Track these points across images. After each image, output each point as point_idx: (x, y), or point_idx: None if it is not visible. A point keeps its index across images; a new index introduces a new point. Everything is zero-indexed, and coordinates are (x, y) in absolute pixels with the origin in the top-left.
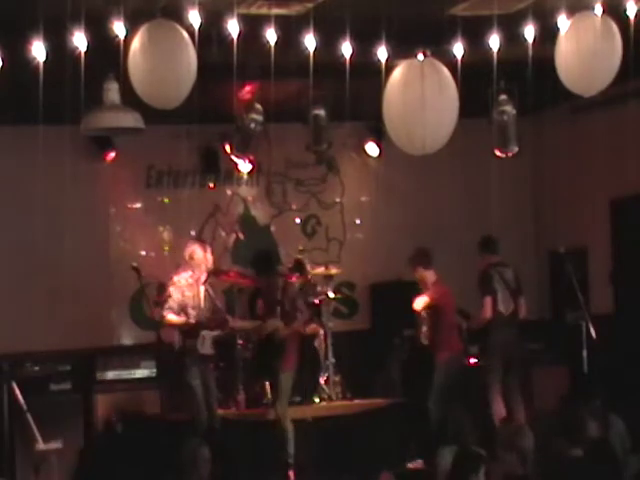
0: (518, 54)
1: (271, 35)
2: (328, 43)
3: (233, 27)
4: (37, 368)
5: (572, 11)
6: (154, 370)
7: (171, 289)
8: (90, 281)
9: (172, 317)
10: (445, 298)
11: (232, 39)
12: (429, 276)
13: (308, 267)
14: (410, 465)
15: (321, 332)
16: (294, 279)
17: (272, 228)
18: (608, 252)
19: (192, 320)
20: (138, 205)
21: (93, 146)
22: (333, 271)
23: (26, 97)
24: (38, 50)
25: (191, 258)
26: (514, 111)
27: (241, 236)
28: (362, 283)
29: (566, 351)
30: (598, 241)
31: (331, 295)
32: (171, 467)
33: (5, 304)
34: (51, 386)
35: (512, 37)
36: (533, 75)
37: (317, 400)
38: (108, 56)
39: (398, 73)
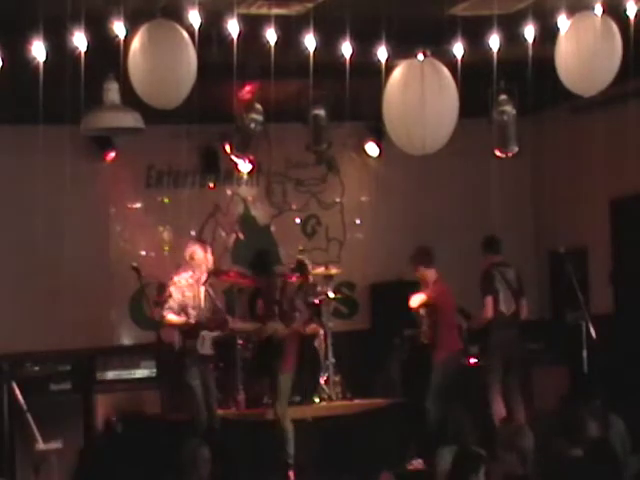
0: (518, 54)
1: (271, 35)
2: (328, 43)
3: (233, 27)
4: (37, 368)
5: (572, 11)
6: (154, 370)
7: (171, 289)
8: (90, 281)
9: (172, 317)
10: (444, 297)
11: (232, 39)
12: (430, 275)
13: (309, 267)
14: (410, 465)
15: (321, 332)
16: (294, 279)
17: (272, 228)
18: (608, 252)
19: (192, 320)
20: (138, 205)
21: (93, 146)
22: (333, 271)
23: (26, 97)
24: (38, 50)
25: (191, 258)
26: (514, 111)
27: (241, 236)
28: (362, 283)
29: (566, 351)
30: (598, 241)
31: (331, 295)
32: (171, 467)
33: (5, 304)
34: (51, 386)
35: (512, 37)
36: (533, 75)
37: (317, 400)
38: (108, 56)
39: (398, 73)
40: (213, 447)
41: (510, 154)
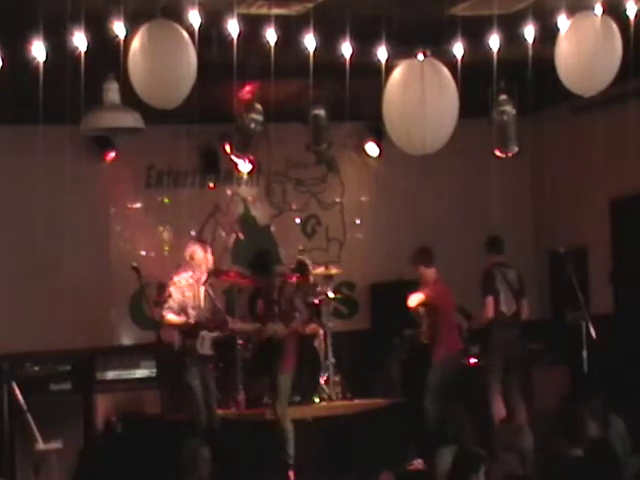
0: (518, 54)
1: (271, 35)
2: (328, 43)
3: (233, 27)
4: (37, 368)
5: (572, 11)
6: (154, 370)
7: (171, 289)
8: (90, 281)
9: (171, 317)
10: (443, 297)
11: (232, 39)
12: (430, 274)
13: (311, 268)
14: (411, 466)
15: (321, 332)
16: (294, 279)
17: (272, 228)
18: (608, 252)
19: (191, 320)
20: (138, 205)
21: (93, 146)
22: (333, 271)
23: (26, 97)
24: (38, 50)
25: (191, 258)
26: (514, 111)
27: (241, 236)
28: (362, 283)
29: (566, 351)
30: (598, 241)
31: (331, 295)
32: (171, 467)
33: (5, 304)
34: (51, 386)
35: (512, 37)
36: (533, 75)
37: (317, 400)
38: (108, 56)
39: (398, 73)
40: (213, 447)
41: (510, 154)
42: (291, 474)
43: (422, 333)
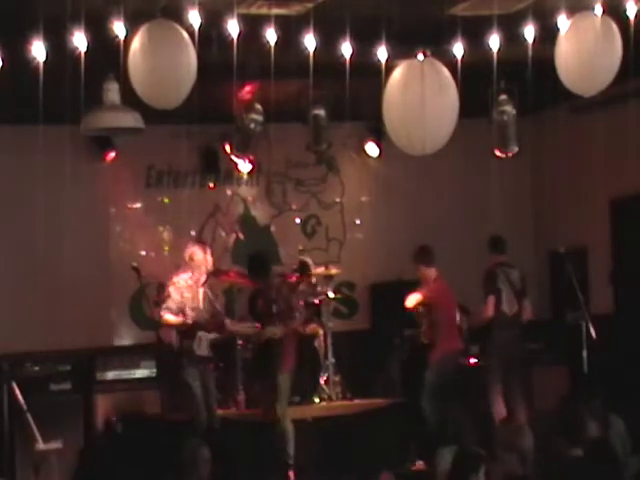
0: (518, 54)
1: (271, 35)
2: (328, 43)
3: (233, 27)
4: (37, 368)
5: (572, 11)
6: (154, 370)
7: (170, 289)
8: (90, 281)
9: (169, 317)
10: (443, 296)
11: (232, 39)
12: (430, 274)
13: (312, 268)
14: (413, 466)
15: (321, 332)
16: (293, 279)
17: (272, 228)
18: (608, 252)
19: (189, 320)
20: (138, 205)
21: (93, 146)
22: (333, 271)
23: (26, 97)
24: (38, 50)
25: (191, 259)
26: (514, 111)
27: (241, 236)
28: (362, 283)
29: (566, 351)
30: (598, 241)
31: (331, 295)
32: (171, 467)
33: (5, 304)
34: (51, 386)
35: (512, 37)
36: (533, 75)
37: (317, 400)
38: (108, 56)
39: (398, 73)
40: (213, 447)
41: (510, 154)
42: (291, 474)
43: (422, 333)
